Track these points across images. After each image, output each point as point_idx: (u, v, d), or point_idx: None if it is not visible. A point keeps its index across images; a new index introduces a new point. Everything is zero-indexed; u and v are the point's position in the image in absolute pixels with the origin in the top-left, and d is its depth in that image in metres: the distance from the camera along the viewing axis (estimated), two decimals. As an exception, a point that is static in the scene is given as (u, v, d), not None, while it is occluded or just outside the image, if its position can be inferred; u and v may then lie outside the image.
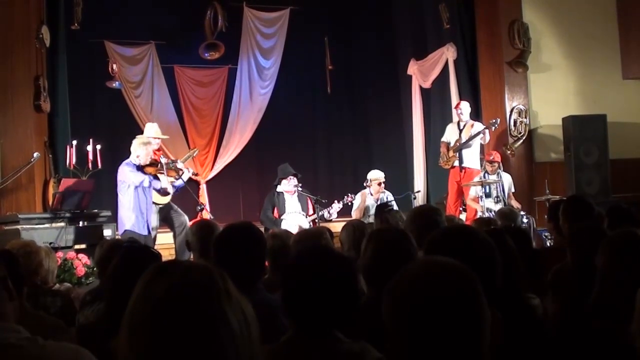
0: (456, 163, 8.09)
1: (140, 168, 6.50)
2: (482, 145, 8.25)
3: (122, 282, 2.20)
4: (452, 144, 8.22)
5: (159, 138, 7.18)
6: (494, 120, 8.03)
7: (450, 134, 8.35)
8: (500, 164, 7.95)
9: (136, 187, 6.39)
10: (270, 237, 3.95)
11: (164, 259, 7.24)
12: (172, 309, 1.02)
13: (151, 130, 7.13)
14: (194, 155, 7.52)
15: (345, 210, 7.93)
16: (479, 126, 8.09)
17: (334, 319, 1.84)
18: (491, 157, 7.81)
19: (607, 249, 2.17)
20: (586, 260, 2.46)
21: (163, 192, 6.63)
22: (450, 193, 8.25)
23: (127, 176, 6.41)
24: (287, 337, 1.84)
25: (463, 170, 8.04)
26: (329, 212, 7.56)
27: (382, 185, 7.89)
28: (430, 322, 1.16)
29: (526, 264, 3.35)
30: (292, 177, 7.50)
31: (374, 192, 7.87)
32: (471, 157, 8.07)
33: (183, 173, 6.84)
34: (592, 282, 2.17)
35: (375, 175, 7.93)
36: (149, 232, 6.49)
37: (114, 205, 7.00)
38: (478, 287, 1.22)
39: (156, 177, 6.59)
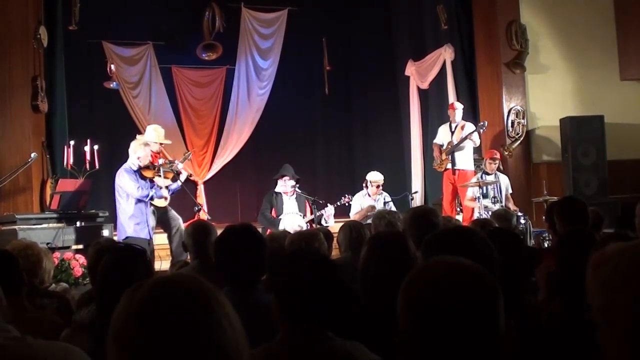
0: (449, 165, 8.08)
1: (139, 172, 6.36)
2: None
3: (112, 282, 2.22)
4: (444, 146, 8.20)
5: (161, 143, 6.97)
6: (481, 123, 8.02)
7: (442, 136, 8.33)
8: (500, 163, 7.95)
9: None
10: (269, 240, 3.95)
11: (160, 259, 7.15)
12: (160, 323, 0.98)
13: (153, 134, 6.91)
14: (189, 158, 7.45)
15: (344, 211, 7.90)
16: (470, 127, 8.07)
17: (326, 319, 1.86)
18: (495, 154, 7.81)
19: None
20: (576, 264, 2.44)
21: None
22: (446, 195, 8.23)
23: (131, 190, 6.22)
24: (281, 336, 1.85)
25: (456, 172, 8.03)
26: (325, 220, 7.42)
27: (380, 188, 7.87)
28: (449, 325, 1.14)
29: (519, 267, 3.36)
30: (286, 178, 7.43)
31: (371, 193, 7.84)
32: (464, 159, 8.03)
33: (180, 174, 6.74)
34: (582, 286, 2.16)
35: (375, 178, 7.87)
36: (150, 236, 6.42)
37: (111, 206, 6.95)
38: (500, 294, 1.20)
39: (152, 181, 6.49)
